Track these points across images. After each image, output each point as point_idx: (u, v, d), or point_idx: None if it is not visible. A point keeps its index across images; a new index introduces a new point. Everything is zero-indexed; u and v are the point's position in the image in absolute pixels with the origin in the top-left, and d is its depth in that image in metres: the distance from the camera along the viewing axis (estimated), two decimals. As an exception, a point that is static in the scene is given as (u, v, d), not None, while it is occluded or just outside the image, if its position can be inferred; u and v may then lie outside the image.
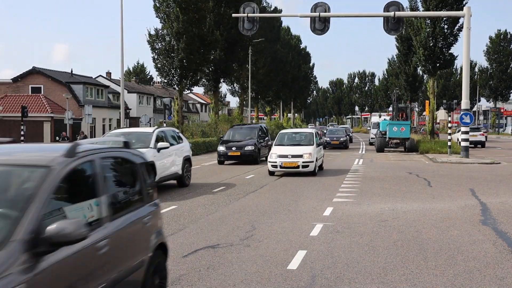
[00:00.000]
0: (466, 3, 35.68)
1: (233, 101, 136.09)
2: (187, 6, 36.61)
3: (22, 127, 32.26)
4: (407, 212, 11.06)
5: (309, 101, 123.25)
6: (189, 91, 50.05)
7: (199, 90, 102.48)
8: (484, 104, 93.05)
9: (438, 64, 38.72)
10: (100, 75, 62.66)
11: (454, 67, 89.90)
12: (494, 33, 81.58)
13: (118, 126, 50.04)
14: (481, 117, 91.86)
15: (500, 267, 6.94)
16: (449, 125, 32.41)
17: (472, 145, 34.98)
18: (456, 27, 37.43)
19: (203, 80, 45.19)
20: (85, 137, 34.02)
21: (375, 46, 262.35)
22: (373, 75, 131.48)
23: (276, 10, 64.95)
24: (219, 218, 10.63)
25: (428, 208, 11.57)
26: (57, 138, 28.90)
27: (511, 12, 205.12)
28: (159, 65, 38.02)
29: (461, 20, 35.91)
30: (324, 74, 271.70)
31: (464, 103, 26.52)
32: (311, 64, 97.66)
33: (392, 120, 36.55)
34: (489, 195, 13.63)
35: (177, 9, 36.31)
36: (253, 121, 65.23)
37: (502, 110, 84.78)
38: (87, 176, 4.37)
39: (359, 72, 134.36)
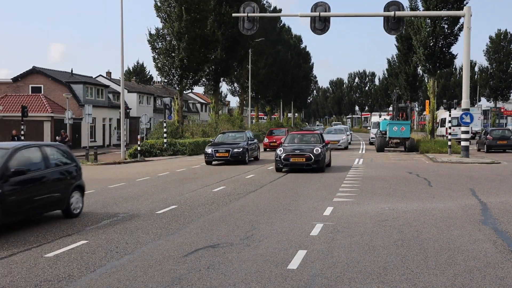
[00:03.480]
0: (466, 2, 35.67)
1: (233, 101, 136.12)
2: (189, 6, 36.60)
3: (22, 127, 32.26)
4: (407, 212, 11.06)
5: (309, 100, 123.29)
6: (189, 91, 50.05)
7: (199, 89, 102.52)
8: (484, 103, 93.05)
9: (438, 64, 38.71)
10: (100, 75, 62.65)
11: (454, 66, 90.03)
12: (494, 33, 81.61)
13: (118, 126, 50.04)
14: (481, 117, 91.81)
15: (501, 267, 6.93)
16: (449, 125, 32.44)
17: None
18: (456, 26, 37.42)
19: (204, 79, 45.17)
20: (66, 137, 33.85)
21: (375, 46, 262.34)
22: (373, 75, 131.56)
23: (275, 10, 64.96)
24: (219, 218, 10.64)
25: (428, 208, 11.57)
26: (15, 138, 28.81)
27: (511, 12, 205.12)
28: (159, 65, 38.01)
29: (461, 20, 35.92)
30: (324, 74, 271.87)
31: (464, 102, 26.52)
32: (311, 64, 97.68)
33: (392, 120, 36.57)
34: (489, 195, 13.62)
35: (180, 9, 36.29)
36: (253, 121, 65.17)
37: (502, 110, 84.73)
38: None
39: (359, 72, 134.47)
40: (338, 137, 38.79)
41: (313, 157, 19.59)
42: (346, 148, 38.33)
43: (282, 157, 19.90)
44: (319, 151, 19.82)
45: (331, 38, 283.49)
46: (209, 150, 25.13)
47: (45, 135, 42.29)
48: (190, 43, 36.55)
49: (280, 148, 20.56)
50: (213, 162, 25.17)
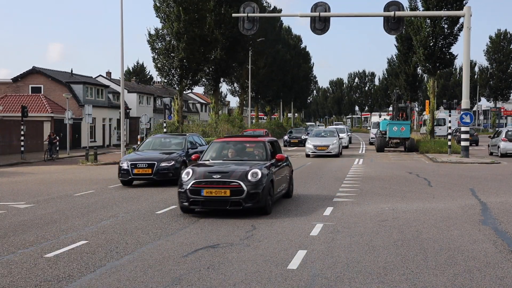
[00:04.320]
0: (466, 2, 35.66)
1: (233, 101, 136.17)
2: (188, 6, 36.58)
3: (22, 127, 32.23)
4: (407, 212, 11.07)
5: (309, 100, 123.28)
6: (189, 91, 50.05)
7: (199, 90, 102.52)
8: (484, 103, 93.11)
9: (438, 64, 38.72)
10: (100, 75, 62.63)
11: (454, 66, 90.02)
12: (494, 33, 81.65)
13: (118, 126, 50.02)
14: (481, 117, 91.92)
15: (500, 266, 6.93)
16: (449, 125, 32.47)
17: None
18: (456, 26, 37.41)
19: (203, 80, 45.16)
20: (55, 138, 33.76)
21: (375, 46, 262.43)
22: (373, 75, 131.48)
23: (275, 10, 64.98)
24: (219, 218, 10.63)
25: (428, 208, 11.57)
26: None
27: (511, 12, 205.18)
28: (159, 65, 37.97)
29: (461, 20, 35.91)
30: (324, 74, 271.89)
31: (464, 102, 26.54)
32: (311, 64, 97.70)
33: (392, 120, 36.59)
34: (489, 195, 13.63)
35: (178, 9, 36.28)
36: (253, 121, 65.19)
37: (502, 110, 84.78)
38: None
39: (359, 72, 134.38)
40: (328, 141, 30.15)
41: (245, 189, 10.47)
42: (338, 155, 29.96)
43: (188, 187, 10.69)
44: (258, 176, 10.75)
45: (331, 38, 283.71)
46: (124, 164, 16.62)
47: (45, 135, 42.25)
48: (189, 43, 36.52)
49: (188, 170, 11.23)
50: (134, 182, 17.05)
